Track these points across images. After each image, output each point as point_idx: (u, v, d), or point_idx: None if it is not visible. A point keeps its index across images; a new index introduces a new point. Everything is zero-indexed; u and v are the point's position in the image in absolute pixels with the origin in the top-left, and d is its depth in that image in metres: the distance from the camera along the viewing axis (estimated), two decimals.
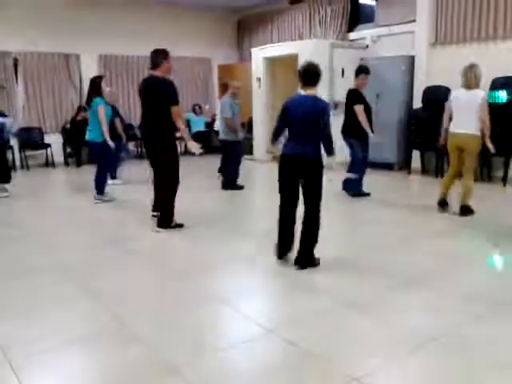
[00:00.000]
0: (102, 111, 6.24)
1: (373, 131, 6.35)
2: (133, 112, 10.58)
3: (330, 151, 3.87)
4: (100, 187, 6.48)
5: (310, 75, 3.77)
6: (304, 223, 3.83)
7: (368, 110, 6.35)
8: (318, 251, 3.88)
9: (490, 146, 5.16)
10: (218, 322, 3.06)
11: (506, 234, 4.71)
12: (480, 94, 5.12)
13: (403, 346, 2.65)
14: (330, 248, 4.24)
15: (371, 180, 6.84)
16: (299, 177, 3.80)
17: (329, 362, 2.50)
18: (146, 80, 5.11)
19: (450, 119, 5.37)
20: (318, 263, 3.90)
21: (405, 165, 8.37)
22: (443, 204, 5.52)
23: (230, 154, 7.27)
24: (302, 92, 3.83)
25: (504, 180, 7.03)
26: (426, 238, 4.68)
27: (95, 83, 6.59)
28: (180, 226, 5.10)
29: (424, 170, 8.15)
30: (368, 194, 6.53)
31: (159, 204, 5.15)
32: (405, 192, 7.29)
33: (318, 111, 3.71)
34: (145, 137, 5.24)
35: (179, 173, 5.00)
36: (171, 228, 5.03)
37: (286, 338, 2.76)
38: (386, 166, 8.58)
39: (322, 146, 3.82)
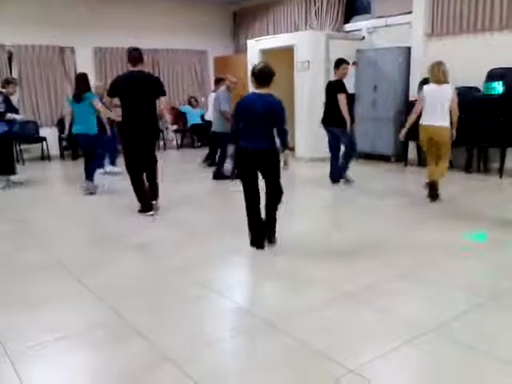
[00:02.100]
0: (99, 104, 6.58)
1: (354, 121, 6.71)
2: None
3: (286, 144, 4.14)
4: (92, 173, 6.80)
5: (266, 75, 4.01)
6: (269, 204, 4.15)
7: (351, 100, 6.72)
8: (310, 240, 3.88)
9: (454, 133, 5.62)
10: (217, 316, 3.06)
11: (501, 225, 4.74)
12: (450, 89, 5.52)
13: (401, 337, 2.66)
14: (325, 238, 4.26)
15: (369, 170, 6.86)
16: (259, 168, 4.08)
17: (326, 353, 2.51)
18: (134, 76, 5.27)
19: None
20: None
21: (401, 156, 8.38)
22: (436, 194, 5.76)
23: (223, 145, 7.34)
24: (256, 91, 4.06)
25: (500, 172, 7.05)
26: (423, 228, 4.70)
27: (85, 78, 6.75)
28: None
29: (420, 162, 8.15)
30: (352, 181, 6.79)
31: (155, 190, 5.53)
32: (403, 182, 7.31)
33: (274, 108, 3.99)
34: (136, 130, 5.29)
35: None
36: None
37: (284, 330, 2.77)
38: (383, 158, 8.60)
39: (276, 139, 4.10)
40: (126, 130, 5.34)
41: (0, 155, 7.14)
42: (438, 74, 5.50)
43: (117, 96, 5.34)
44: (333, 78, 6.79)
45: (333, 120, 6.54)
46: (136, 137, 5.29)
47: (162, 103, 5.40)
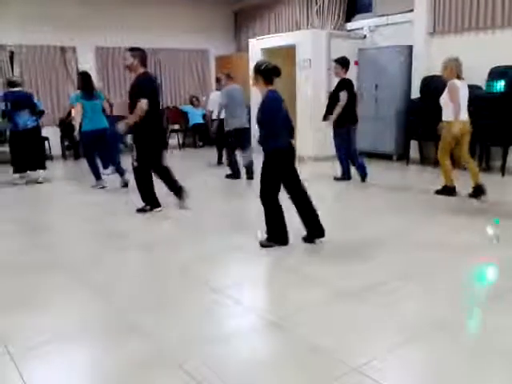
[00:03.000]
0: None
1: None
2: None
3: None
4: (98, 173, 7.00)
5: (276, 72, 4.00)
6: (305, 199, 4.19)
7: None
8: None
9: None
10: (218, 314, 3.06)
11: (503, 223, 4.73)
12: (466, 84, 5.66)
13: (403, 334, 2.66)
14: (328, 236, 4.25)
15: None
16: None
17: (328, 352, 2.51)
18: (153, 78, 5.63)
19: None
20: None
21: (403, 155, 8.37)
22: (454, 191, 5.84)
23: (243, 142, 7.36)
24: (269, 88, 4.00)
25: (502, 170, 7.04)
26: (426, 226, 4.69)
27: (90, 76, 6.85)
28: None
29: (422, 160, 8.16)
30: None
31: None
32: (405, 181, 7.30)
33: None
34: (160, 131, 5.49)
35: None
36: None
37: (287, 329, 2.77)
38: (385, 157, 8.59)
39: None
40: (153, 130, 5.22)
41: (32, 149, 7.29)
42: (460, 69, 5.55)
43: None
44: (335, 76, 6.85)
45: (354, 118, 6.72)
46: (159, 137, 5.41)
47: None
